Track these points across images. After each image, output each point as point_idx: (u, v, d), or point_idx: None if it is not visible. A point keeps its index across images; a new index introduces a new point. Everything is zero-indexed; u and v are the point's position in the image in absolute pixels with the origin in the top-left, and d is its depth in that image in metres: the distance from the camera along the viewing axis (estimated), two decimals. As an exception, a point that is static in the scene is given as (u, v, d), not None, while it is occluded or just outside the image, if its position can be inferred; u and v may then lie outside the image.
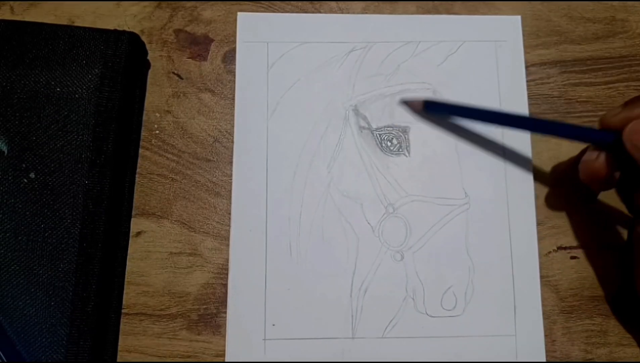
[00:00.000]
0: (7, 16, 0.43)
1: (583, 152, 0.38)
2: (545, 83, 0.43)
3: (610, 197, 0.41)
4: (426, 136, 0.42)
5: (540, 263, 0.40)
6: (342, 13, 0.44)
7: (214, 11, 0.44)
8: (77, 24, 0.43)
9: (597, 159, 0.36)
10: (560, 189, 0.41)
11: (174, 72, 0.43)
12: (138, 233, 0.40)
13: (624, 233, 0.40)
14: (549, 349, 0.39)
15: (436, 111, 0.42)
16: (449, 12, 0.44)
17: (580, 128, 0.37)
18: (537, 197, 0.41)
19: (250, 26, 0.43)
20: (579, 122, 0.42)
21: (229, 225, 0.40)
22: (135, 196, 0.41)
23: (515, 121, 0.39)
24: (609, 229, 0.41)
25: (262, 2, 0.44)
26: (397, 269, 0.40)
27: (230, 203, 0.41)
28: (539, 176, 0.41)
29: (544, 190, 0.41)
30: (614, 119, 0.35)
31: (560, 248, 0.40)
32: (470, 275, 0.40)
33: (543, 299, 0.40)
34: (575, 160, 0.40)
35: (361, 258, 0.40)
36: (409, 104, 0.42)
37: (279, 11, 0.44)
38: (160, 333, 0.39)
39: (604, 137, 0.36)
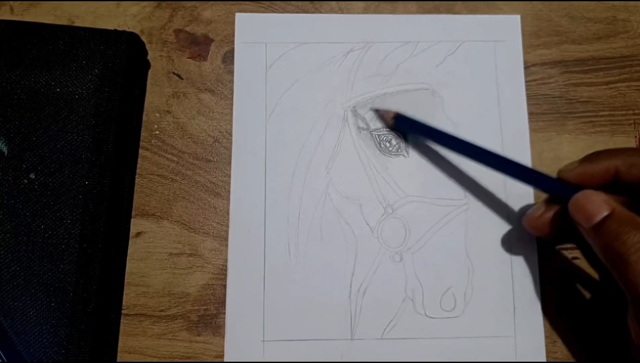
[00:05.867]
0: (7, 16, 0.43)
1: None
2: (546, 83, 0.43)
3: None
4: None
5: (541, 264, 0.40)
6: (343, 13, 0.44)
7: (214, 11, 0.44)
8: (77, 24, 0.43)
9: (540, 218, 0.37)
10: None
11: (174, 72, 0.43)
12: (138, 234, 0.40)
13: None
14: (549, 350, 0.39)
15: (406, 129, 0.41)
16: (449, 12, 0.44)
17: (545, 178, 0.37)
18: (537, 197, 0.41)
19: (248, 27, 0.43)
20: (579, 122, 0.42)
21: (229, 226, 0.40)
22: (135, 196, 0.41)
23: (485, 157, 0.38)
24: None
25: (263, 2, 0.44)
26: (396, 270, 0.40)
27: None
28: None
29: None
30: (570, 174, 0.36)
31: (561, 248, 0.40)
32: (469, 276, 0.40)
33: (544, 300, 0.39)
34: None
35: (360, 259, 0.40)
36: (380, 113, 0.42)
37: (279, 11, 0.44)
38: (160, 334, 0.39)
39: (562, 191, 0.36)
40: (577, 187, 0.35)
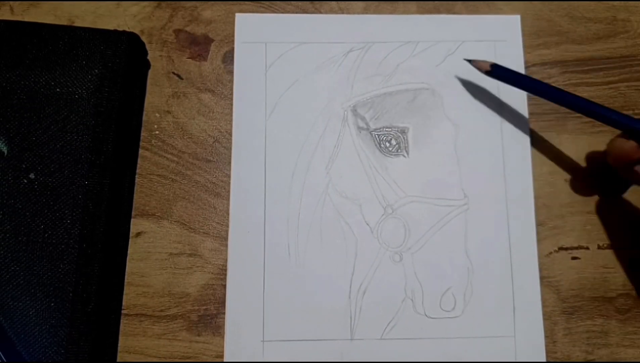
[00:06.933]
0: (7, 16, 0.43)
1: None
2: (546, 83, 0.43)
3: (611, 198, 0.41)
4: (425, 136, 0.42)
5: (541, 264, 0.40)
6: (343, 13, 0.44)
7: (214, 11, 0.44)
8: (77, 24, 0.43)
9: (627, 142, 0.36)
10: (561, 190, 0.41)
11: (173, 72, 0.43)
12: (138, 234, 0.40)
13: (625, 234, 0.40)
14: (549, 350, 0.39)
15: (501, 77, 0.41)
16: (449, 12, 0.44)
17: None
18: (537, 197, 0.41)
19: (248, 27, 0.43)
20: (579, 122, 0.42)
21: (229, 226, 0.40)
22: (135, 196, 0.41)
23: (574, 103, 0.38)
24: (610, 230, 0.41)
25: (263, 2, 0.44)
26: (395, 270, 0.40)
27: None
28: (538, 176, 0.41)
29: (544, 191, 0.41)
30: None
31: (561, 248, 0.40)
32: (469, 276, 0.40)
33: (544, 300, 0.39)
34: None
35: (360, 259, 0.40)
36: (474, 63, 0.41)
37: (279, 11, 0.44)
38: (160, 334, 0.39)
39: None
40: None
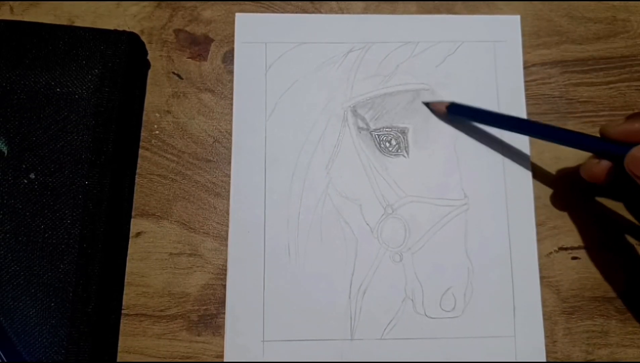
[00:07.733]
0: (7, 16, 0.43)
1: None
2: (546, 83, 0.43)
3: (611, 198, 0.41)
4: (425, 136, 0.42)
5: (541, 264, 0.40)
6: (343, 13, 0.44)
7: (214, 11, 0.44)
8: (77, 24, 0.43)
9: (598, 165, 0.37)
10: (561, 190, 0.41)
11: (173, 72, 0.43)
12: (138, 234, 0.40)
13: (625, 234, 0.40)
14: (550, 350, 0.39)
15: (459, 115, 0.42)
16: (449, 12, 0.44)
17: (596, 140, 0.37)
18: (537, 198, 0.41)
19: (248, 27, 0.43)
20: (579, 122, 0.42)
21: (229, 226, 0.40)
22: (135, 196, 0.41)
23: (538, 129, 0.39)
24: (610, 230, 0.41)
25: (263, 2, 0.44)
26: (396, 270, 0.40)
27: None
28: (538, 176, 0.41)
29: (544, 191, 0.41)
30: (615, 130, 0.36)
31: (561, 248, 0.40)
32: (469, 276, 0.40)
33: (544, 300, 0.39)
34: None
35: (360, 259, 0.40)
36: (431, 106, 0.42)
37: (279, 11, 0.44)
38: (160, 334, 0.39)
39: (613, 150, 0.36)
40: (625, 145, 0.35)
